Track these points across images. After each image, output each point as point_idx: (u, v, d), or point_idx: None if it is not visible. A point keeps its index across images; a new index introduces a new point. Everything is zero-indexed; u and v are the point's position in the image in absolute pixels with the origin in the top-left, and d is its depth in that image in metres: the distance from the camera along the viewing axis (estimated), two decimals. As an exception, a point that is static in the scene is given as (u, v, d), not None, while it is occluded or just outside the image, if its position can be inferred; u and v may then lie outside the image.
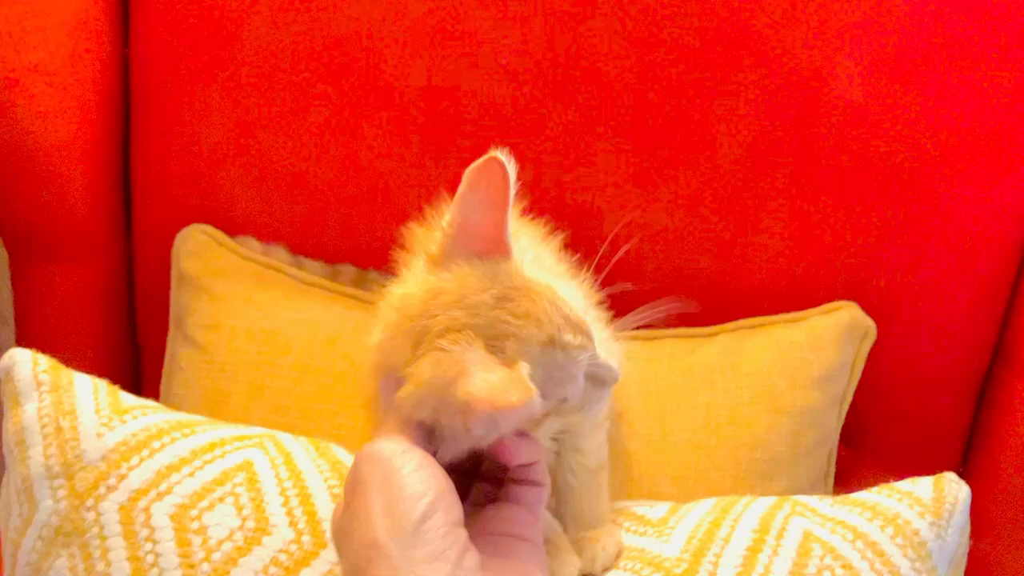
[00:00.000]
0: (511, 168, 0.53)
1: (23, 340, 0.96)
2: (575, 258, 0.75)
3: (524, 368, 0.49)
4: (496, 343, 0.50)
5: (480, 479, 0.56)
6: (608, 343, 0.68)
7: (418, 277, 0.55)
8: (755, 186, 0.88)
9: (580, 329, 0.52)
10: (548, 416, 0.54)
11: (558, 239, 0.74)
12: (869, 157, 0.86)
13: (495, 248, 0.53)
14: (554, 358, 0.51)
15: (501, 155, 0.52)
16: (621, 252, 0.72)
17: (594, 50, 0.87)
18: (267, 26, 0.90)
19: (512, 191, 0.53)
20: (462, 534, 0.48)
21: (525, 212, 0.72)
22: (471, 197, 0.53)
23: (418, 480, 0.48)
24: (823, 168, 0.87)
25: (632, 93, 0.87)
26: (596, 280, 0.74)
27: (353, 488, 0.49)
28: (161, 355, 0.93)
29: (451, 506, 0.48)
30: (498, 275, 0.53)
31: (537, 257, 0.68)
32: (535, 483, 0.54)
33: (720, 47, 0.86)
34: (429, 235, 0.57)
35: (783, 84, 0.86)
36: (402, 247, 0.74)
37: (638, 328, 0.81)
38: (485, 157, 0.53)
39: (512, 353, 0.50)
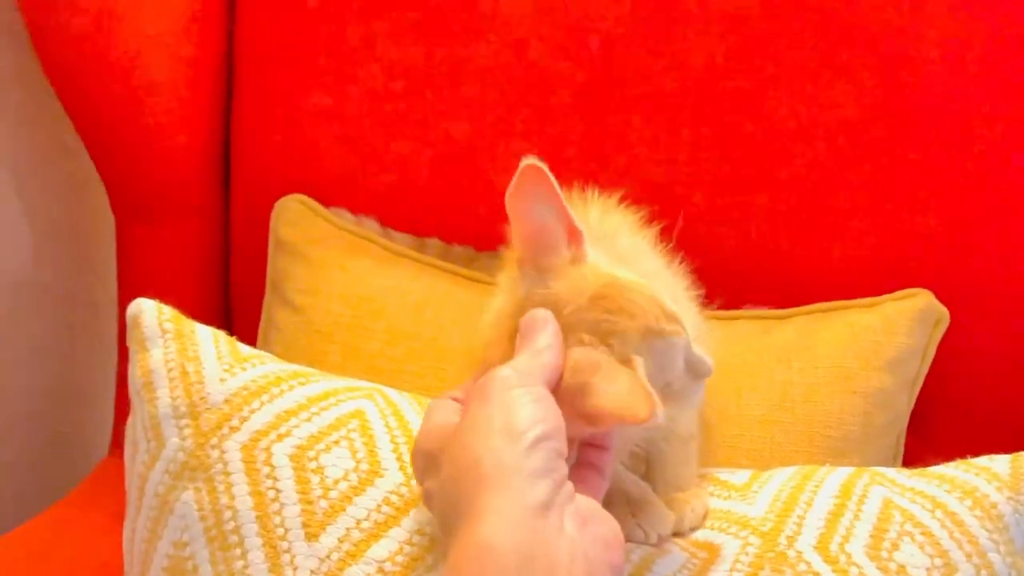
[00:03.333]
0: (546, 168, 0.54)
1: (125, 297, 1.01)
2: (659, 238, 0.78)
3: (640, 365, 0.52)
4: (602, 342, 0.53)
5: None
6: (699, 328, 0.70)
7: (508, 287, 0.58)
8: (838, 170, 0.90)
9: (672, 318, 0.54)
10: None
11: (653, 228, 0.76)
12: (954, 145, 0.88)
13: (571, 244, 0.55)
14: (655, 346, 0.53)
15: (533, 160, 0.54)
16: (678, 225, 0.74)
17: (680, 34, 0.90)
18: (367, 3, 0.94)
19: (557, 188, 0.54)
20: (564, 466, 0.50)
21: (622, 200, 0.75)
22: (521, 206, 0.55)
23: (538, 409, 0.50)
24: (907, 154, 0.89)
25: (717, 76, 0.90)
26: (681, 261, 0.77)
27: (475, 401, 0.51)
28: (251, 316, 0.98)
29: (562, 440, 0.50)
30: (585, 276, 0.55)
31: (634, 246, 0.71)
32: (605, 448, 0.56)
33: (807, 31, 0.88)
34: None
35: (871, 68, 0.88)
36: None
37: (717, 308, 0.85)
38: (520, 168, 0.54)
39: (619, 349, 0.53)
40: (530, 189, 0.54)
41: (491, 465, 0.48)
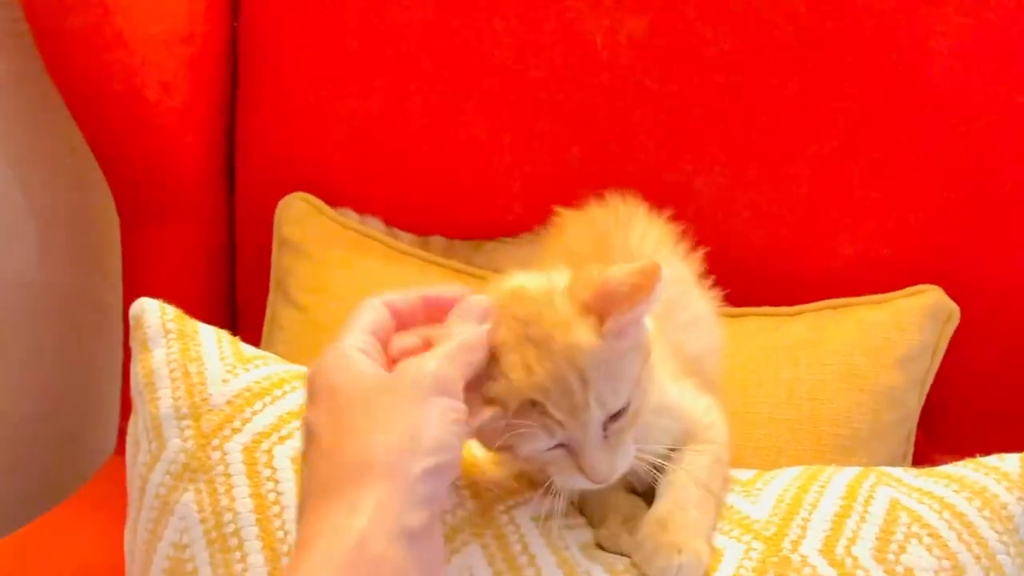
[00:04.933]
0: (661, 284, 0.53)
1: (130, 296, 1.01)
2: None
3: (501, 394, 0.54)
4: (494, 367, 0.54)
5: None
6: (705, 322, 0.69)
7: (549, 279, 0.57)
8: (848, 166, 0.89)
9: (573, 412, 0.53)
10: (505, 450, 0.56)
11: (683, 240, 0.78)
12: (961, 141, 0.87)
13: (606, 320, 0.54)
14: (526, 412, 0.54)
15: (663, 268, 0.53)
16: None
17: (690, 32, 0.89)
18: (373, 2, 0.93)
19: (653, 301, 0.54)
20: (447, 500, 0.52)
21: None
22: (625, 274, 0.54)
23: (447, 434, 0.50)
24: (914, 151, 0.88)
25: (726, 74, 0.89)
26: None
27: (392, 391, 0.50)
28: (256, 314, 0.98)
29: (454, 473, 0.51)
30: (568, 330, 0.54)
31: (659, 250, 0.74)
32: None
33: (815, 29, 0.87)
34: (575, 238, 0.59)
35: (878, 65, 0.87)
36: (550, 225, 0.79)
37: (724, 305, 0.84)
38: (654, 265, 0.54)
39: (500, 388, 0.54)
40: (637, 276, 0.54)
41: (383, 466, 0.48)
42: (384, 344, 0.55)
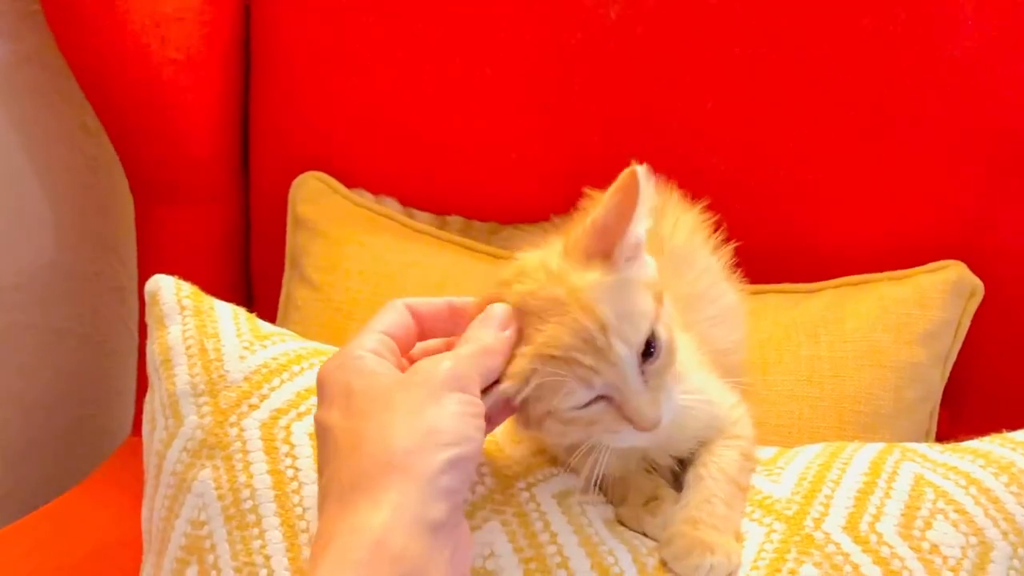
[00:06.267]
0: (646, 185, 0.53)
1: (145, 277, 1.00)
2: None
3: (523, 361, 0.52)
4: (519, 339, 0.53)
5: None
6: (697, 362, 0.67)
7: (547, 251, 0.57)
8: (868, 142, 0.88)
9: (602, 355, 0.52)
10: (547, 416, 0.55)
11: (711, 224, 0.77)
12: (983, 115, 0.86)
13: (607, 255, 0.54)
14: (553, 370, 0.52)
15: (640, 170, 0.53)
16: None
17: (708, 7, 0.88)
18: (387, -21, 0.92)
19: (641, 207, 0.53)
20: (467, 491, 0.53)
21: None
22: (609, 201, 0.54)
23: (465, 426, 0.50)
24: (936, 126, 0.87)
25: (745, 49, 0.88)
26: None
27: (410, 386, 0.50)
28: (272, 294, 0.97)
29: (475, 465, 0.51)
30: (566, 281, 0.54)
31: (689, 245, 0.73)
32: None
33: (837, 4, 0.86)
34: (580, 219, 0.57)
35: (898, 37, 0.86)
36: (577, 209, 0.77)
37: (744, 282, 0.84)
38: (628, 169, 0.53)
39: (524, 352, 0.53)
40: (619, 193, 0.53)
41: (402, 463, 0.48)
42: (404, 347, 0.55)
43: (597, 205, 0.55)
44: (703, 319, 0.70)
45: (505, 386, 0.53)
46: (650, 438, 0.55)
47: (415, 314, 0.56)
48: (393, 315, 0.55)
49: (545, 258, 0.56)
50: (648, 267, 0.56)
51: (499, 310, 0.54)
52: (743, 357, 0.76)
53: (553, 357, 0.52)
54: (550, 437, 0.58)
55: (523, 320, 0.54)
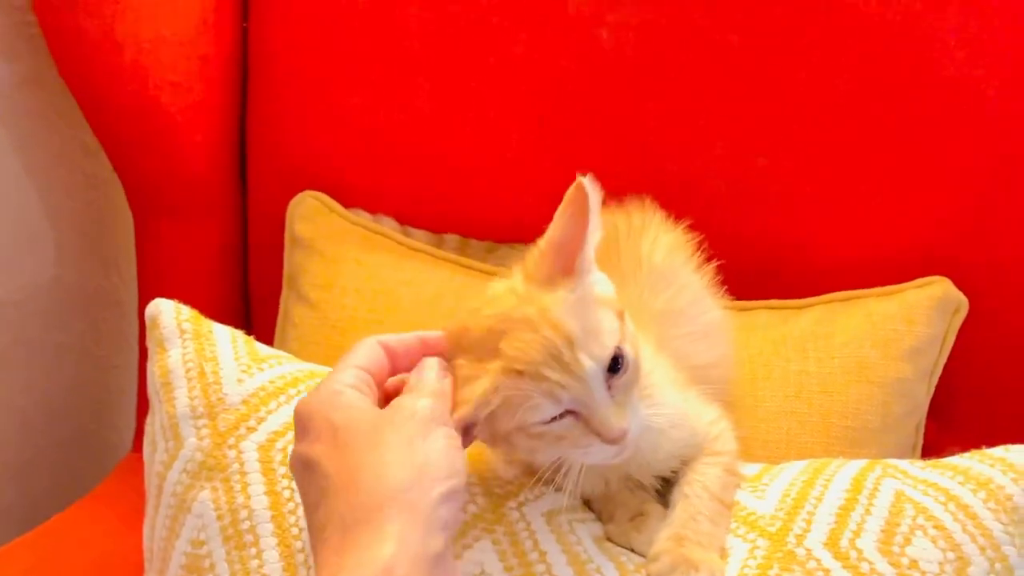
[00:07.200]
0: (593, 195, 0.55)
1: (145, 294, 1.02)
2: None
3: (481, 385, 0.54)
4: (487, 360, 0.55)
5: None
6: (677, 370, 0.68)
7: (503, 284, 0.59)
8: (855, 158, 0.89)
9: (567, 370, 0.54)
10: (514, 432, 0.56)
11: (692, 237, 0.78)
12: (969, 132, 0.87)
13: (567, 270, 0.56)
14: (519, 385, 0.54)
15: (586, 181, 0.55)
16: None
17: (697, 26, 0.90)
18: (383, 1, 0.94)
19: (593, 217, 0.55)
20: (461, 519, 0.56)
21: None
22: (561, 218, 0.56)
23: (454, 459, 0.52)
24: (922, 143, 0.88)
25: (733, 67, 0.90)
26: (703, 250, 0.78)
27: (394, 424, 0.52)
28: (270, 310, 0.99)
29: (464, 495, 0.53)
30: (531, 302, 0.55)
31: (670, 265, 0.74)
32: None
33: (824, 17, 0.87)
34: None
35: (886, 57, 0.87)
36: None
37: (734, 298, 0.85)
38: (575, 182, 0.55)
39: (489, 370, 0.54)
40: (569, 207, 0.55)
41: (402, 498, 0.49)
42: (379, 382, 0.57)
43: (550, 227, 0.57)
44: (681, 335, 0.72)
45: (463, 411, 0.54)
46: (620, 454, 0.56)
47: (388, 350, 0.57)
48: (367, 351, 0.57)
49: (512, 284, 0.58)
50: (603, 283, 0.58)
51: (428, 363, 0.57)
52: (728, 373, 0.77)
53: (519, 372, 0.54)
54: (520, 453, 0.59)
55: (492, 341, 0.55)
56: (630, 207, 0.79)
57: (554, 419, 0.55)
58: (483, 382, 0.54)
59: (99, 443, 1.13)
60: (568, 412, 0.55)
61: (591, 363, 0.54)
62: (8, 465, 1.04)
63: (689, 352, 0.70)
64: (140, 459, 0.70)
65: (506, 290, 0.57)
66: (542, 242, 0.57)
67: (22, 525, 0.90)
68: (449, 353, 0.58)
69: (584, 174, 0.91)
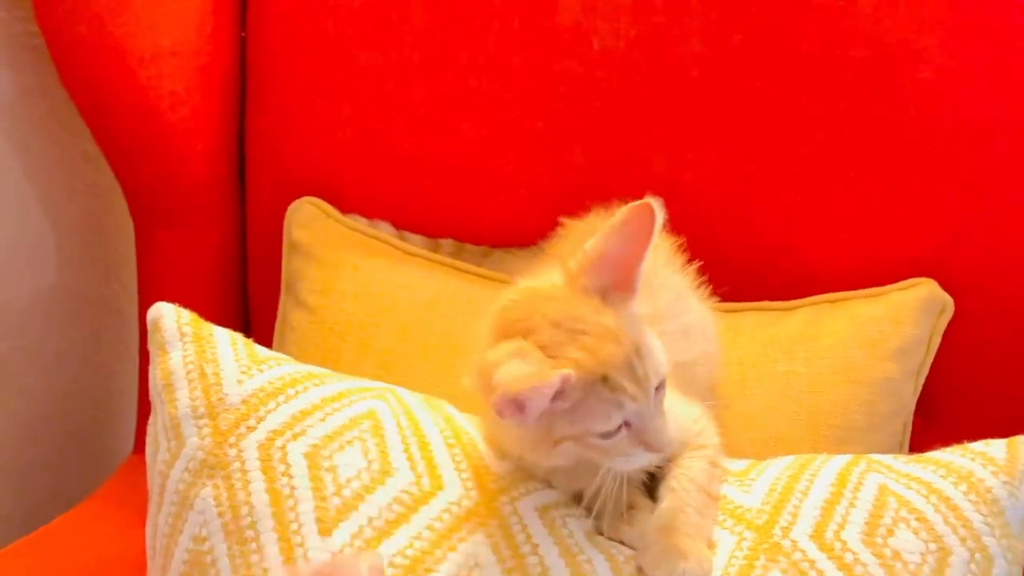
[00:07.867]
0: (660, 217, 0.57)
1: (145, 300, 1.03)
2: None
3: (564, 373, 0.54)
4: (556, 353, 0.56)
5: None
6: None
7: (547, 280, 0.60)
8: (838, 164, 0.91)
9: (639, 383, 0.56)
10: (570, 439, 0.58)
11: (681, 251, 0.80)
12: (951, 135, 0.89)
13: (623, 286, 0.58)
14: (597, 392, 0.56)
15: (655, 203, 0.57)
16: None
17: (685, 34, 0.91)
18: (378, 9, 0.96)
19: (654, 240, 0.57)
20: None
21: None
22: (618, 233, 0.58)
23: None
24: (905, 146, 0.90)
25: (721, 71, 0.91)
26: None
27: None
28: (268, 316, 1.00)
29: None
30: (600, 312, 0.57)
31: (666, 277, 0.76)
32: None
33: (812, 27, 0.89)
34: (575, 247, 0.60)
35: (869, 61, 0.89)
36: (555, 236, 0.81)
37: (722, 301, 0.87)
38: (642, 201, 0.57)
39: (562, 362, 0.56)
40: (630, 225, 0.57)
41: None
42: None
43: (600, 238, 0.58)
44: (661, 334, 0.73)
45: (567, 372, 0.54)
46: (654, 460, 0.59)
47: None
48: None
49: (558, 287, 0.59)
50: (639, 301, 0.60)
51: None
52: (713, 370, 0.79)
53: (603, 378, 0.56)
54: (547, 460, 0.61)
55: (564, 338, 0.57)
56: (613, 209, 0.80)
57: (610, 432, 0.57)
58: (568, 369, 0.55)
59: (99, 448, 1.14)
60: (623, 424, 0.57)
61: (654, 380, 0.57)
62: (9, 470, 1.05)
63: (671, 350, 0.72)
64: (142, 461, 0.72)
65: (555, 289, 0.59)
66: (592, 252, 0.58)
67: (23, 528, 0.91)
68: (503, 331, 0.58)
69: (576, 179, 0.94)
